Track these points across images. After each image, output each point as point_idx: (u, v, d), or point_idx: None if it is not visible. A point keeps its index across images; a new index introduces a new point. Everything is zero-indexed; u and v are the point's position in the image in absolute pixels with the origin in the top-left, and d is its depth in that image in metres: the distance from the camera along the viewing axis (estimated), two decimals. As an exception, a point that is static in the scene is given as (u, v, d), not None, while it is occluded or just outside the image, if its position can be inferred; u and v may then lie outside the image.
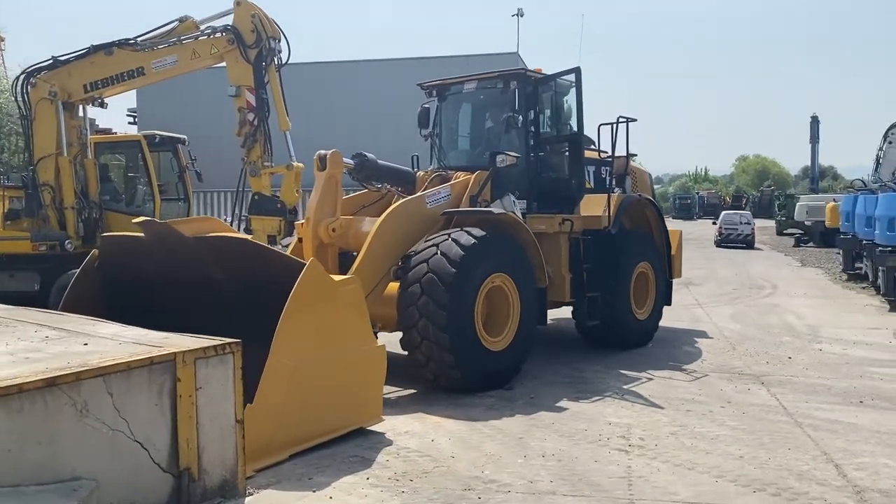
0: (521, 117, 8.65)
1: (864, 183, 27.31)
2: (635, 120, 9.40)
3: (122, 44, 10.71)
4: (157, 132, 12.03)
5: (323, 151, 7.72)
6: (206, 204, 24.51)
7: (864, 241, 16.41)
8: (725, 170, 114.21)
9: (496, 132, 9.05)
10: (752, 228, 31.74)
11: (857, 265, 18.08)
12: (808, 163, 61.05)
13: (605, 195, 9.23)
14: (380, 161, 8.41)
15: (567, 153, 9.09)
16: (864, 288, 16.34)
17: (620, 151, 9.47)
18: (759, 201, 64.24)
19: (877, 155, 27.48)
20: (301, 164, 10.51)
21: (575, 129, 9.03)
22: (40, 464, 3.70)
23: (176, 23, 10.77)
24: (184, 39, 10.60)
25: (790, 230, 38.72)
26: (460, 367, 6.89)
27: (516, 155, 8.26)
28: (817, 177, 58.56)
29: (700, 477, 4.95)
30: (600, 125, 9.48)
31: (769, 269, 21.70)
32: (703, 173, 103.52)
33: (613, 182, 9.59)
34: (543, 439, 5.80)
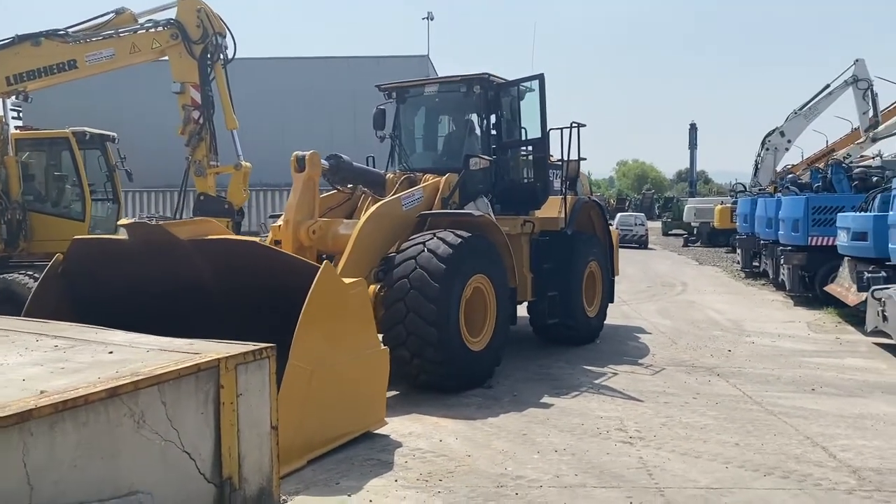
0: (484, 121, 8.81)
1: (744, 187, 29.32)
2: (585, 125, 9.73)
3: (51, 34, 10.08)
4: (86, 129, 11.35)
5: (301, 153, 7.60)
6: (139, 204, 23.41)
7: (763, 241, 17.65)
8: (606, 174, 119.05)
9: (459, 135, 9.18)
10: (646, 230, 33.30)
11: (755, 263, 19.35)
12: (682, 167, 64.91)
13: (558, 198, 9.54)
14: (354, 163, 8.35)
15: (529, 157, 9.31)
16: (763, 285, 17.53)
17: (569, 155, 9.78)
18: (641, 203, 67.42)
19: (755, 161, 29.55)
20: (249, 164, 10.26)
21: (537, 133, 9.24)
22: (102, 478, 3.51)
23: (112, 14, 10.25)
24: (121, 32, 10.10)
25: (675, 231, 40.98)
26: (447, 364, 6.98)
27: (489, 158, 8.41)
28: (695, 181, 62.06)
29: (710, 464, 5.25)
30: (549, 129, 9.76)
31: (671, 267, 22.85)
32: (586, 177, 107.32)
33: (566, 185, 9.89)
34: (547, 434, 5.96)
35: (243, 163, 10.18)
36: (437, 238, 7.13)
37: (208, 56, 10.04)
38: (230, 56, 10.26)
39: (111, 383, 3.57)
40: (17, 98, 10.50)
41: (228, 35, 10.24)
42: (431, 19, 30.68)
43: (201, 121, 10.00)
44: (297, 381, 5.09)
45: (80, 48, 10.07)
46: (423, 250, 7.01)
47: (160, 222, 6.84)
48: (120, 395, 3.57)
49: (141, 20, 10.23)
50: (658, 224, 46.62)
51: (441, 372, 7.01)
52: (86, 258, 6.48)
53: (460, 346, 7.14)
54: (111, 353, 4.39)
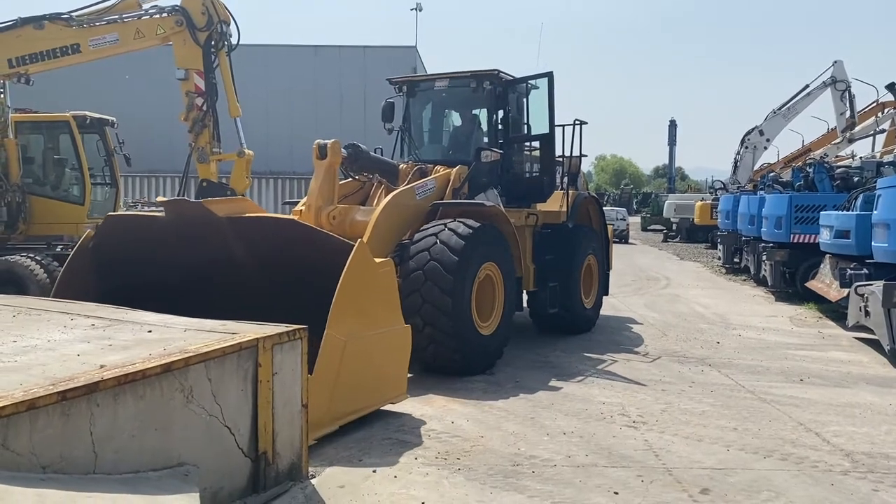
0: (493, 116, 9.10)
1: (723, 184, 29.83)
2: (587, 123, 10.01)
3: (54, 18, 10.13)
4: (86, 113, 11.40)
5: (322, 141, 7.86)
6: (133, 190, 23.34)
7: (745, 238, 18.06)
8: (584, 168, 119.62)
9: (468, 129, 9.48)
10: (627, 224, 33.76)
11: (736, 259, 19.80)
12: (659, 163, 65.58)
13: (559, 192, 9.89)
14: (371, 153, 8.61)
15: (533, 152, 9.64)
16: (744, 280, 17.96)
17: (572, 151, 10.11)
18: (620, 198, 68.12)
19: (734, 159, 30.05)
20: (252, 152, 10.39)
21: (541, 128, 9.52)
22: (156, 449, 3.69)
23: (116, -1, 10.30)
24: (125, 17, 10.16)
25: (654, 226, 41.53)
26: (460, 350, 7.29)
27: (500, 151, 8.70)
28: (674, 177, 62.79)
29: (712, 447, 5.53)
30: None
31: (653, 262, 23.27)
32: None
33: (566, 180, 10.19)
34: (554, 418, 6.21)
35: (246, 150, 10.30)
36: (449, 230, 7.43)
37: (213, 44, 10.13)
38: (234, 44, 10.36)
39: (165, 359, 3.74)
40: (18, 81, 10.50)
41: (233, 23, 10.33)
42: (420, 10, 30.81)
43: (205, 108, 10.11)
44: (333, 350, 5.36)
45: (84, 32, 10.11)
46: (436, 242, 7.34)
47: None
48: (173, 371, 3.75)
49: (145, 6, 10.29)
50: (637, 219, 47.19)
51: (457, 358, 7.35)
52: (117, 235, 6.68)
53: (472, 332, 7.49)
54: (150, 332, 4.55)
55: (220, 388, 4.09)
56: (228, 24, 10.27)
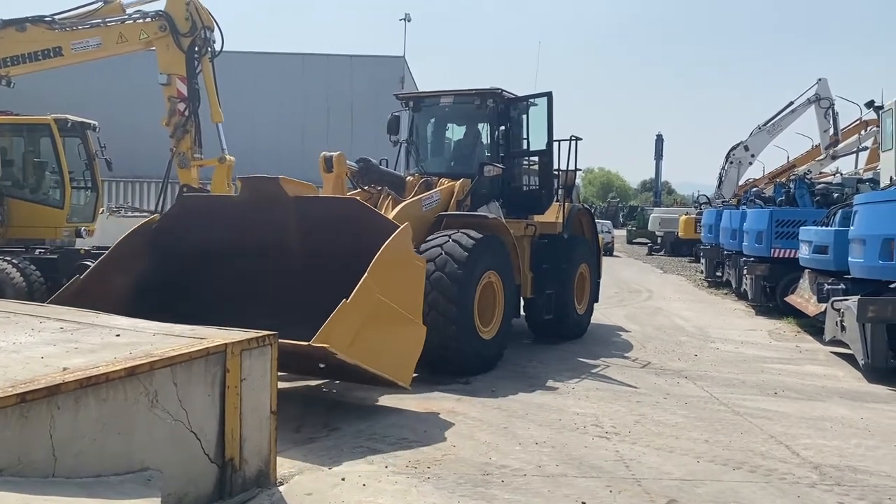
0: (495, 131, 9.44)
1: (708, 199, 30.01)
2: (581, 139, 10.15)
3: (37, 20, 10.11)
4: (68, 116, 11.36)
5: (328, 153, 8.08)
6: (115, 194, 23.24)
7: (727, 252, 18.17)
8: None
9: (471, 144, 9.87)
10: (612, 237, 33.91)
11: (718, 273, 19.90)
12: (646, 176, 65.94)
13: (555, 204, 10.19)
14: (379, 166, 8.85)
15: (532, 166, 9.92)
16: (726, 294, 18.06)
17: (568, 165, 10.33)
18: (606, 212, 68.45)
19: (719, 174, 30.25)
20: (233, 158, 10.38)
21: (540, 143, 9.78)
22: (118, 454, 3.66)
23: (100, 3, 10.28)
24: (109, 21, 10.16)
25: (640, 239, 41.76)
26: (463, 353, 7.66)
27: (501, 166, 9.00)
28: (660, 191, 63.10)
29: (683, 458, 5.54)
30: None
31: (637, 275, 23.36)
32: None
33: (564, 193, 10.40)
34: (527, 428, 6.21)
35: (227, 156, 10.31)
36: (453, 241, 7.78)
37: (196, 49, 10.15)
38: (218, 50, 10.39)
39: (129, 363, 3.72)
40: (-1, 83, 10.46)
41: (217, 29, 10.36)
42: (409, 21, 30.90)
43: (187, 113, 10.12)
44: (367, 296, 5.76)
45: (66, 35, 10.11)
46: (441, 253, 7.66)
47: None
48: (137, 375, 3.73)
49: (129, 10, 10.30)
50: (623, 232, 47.40)
51: (458, 360, 7.67)
52: (184, 215, 7.08)
53: (475, 336, 7.85)
54: (118, 335, 4.53)
55: (187, 393, 4.07)
56: (212, 31, 10.31)
